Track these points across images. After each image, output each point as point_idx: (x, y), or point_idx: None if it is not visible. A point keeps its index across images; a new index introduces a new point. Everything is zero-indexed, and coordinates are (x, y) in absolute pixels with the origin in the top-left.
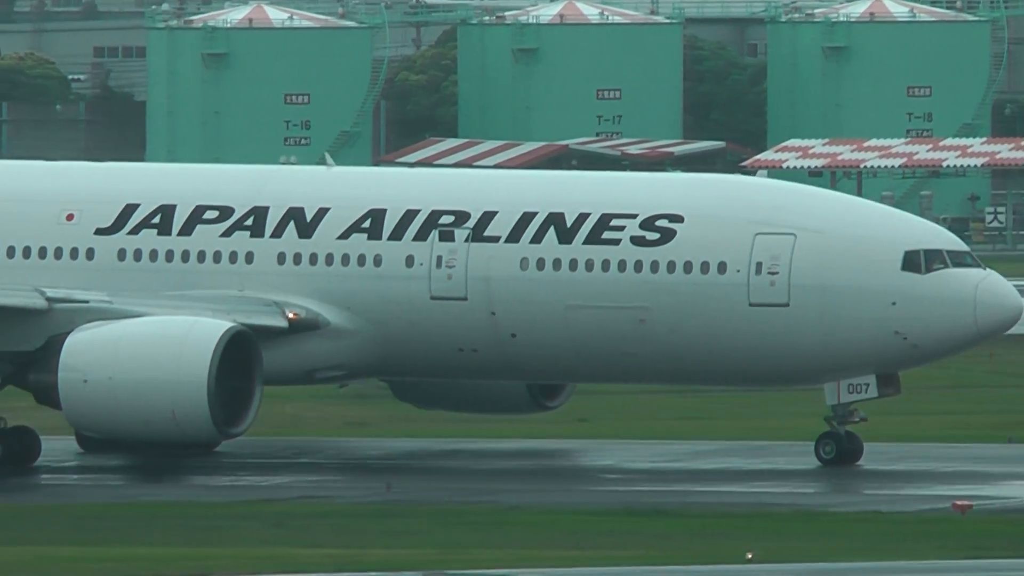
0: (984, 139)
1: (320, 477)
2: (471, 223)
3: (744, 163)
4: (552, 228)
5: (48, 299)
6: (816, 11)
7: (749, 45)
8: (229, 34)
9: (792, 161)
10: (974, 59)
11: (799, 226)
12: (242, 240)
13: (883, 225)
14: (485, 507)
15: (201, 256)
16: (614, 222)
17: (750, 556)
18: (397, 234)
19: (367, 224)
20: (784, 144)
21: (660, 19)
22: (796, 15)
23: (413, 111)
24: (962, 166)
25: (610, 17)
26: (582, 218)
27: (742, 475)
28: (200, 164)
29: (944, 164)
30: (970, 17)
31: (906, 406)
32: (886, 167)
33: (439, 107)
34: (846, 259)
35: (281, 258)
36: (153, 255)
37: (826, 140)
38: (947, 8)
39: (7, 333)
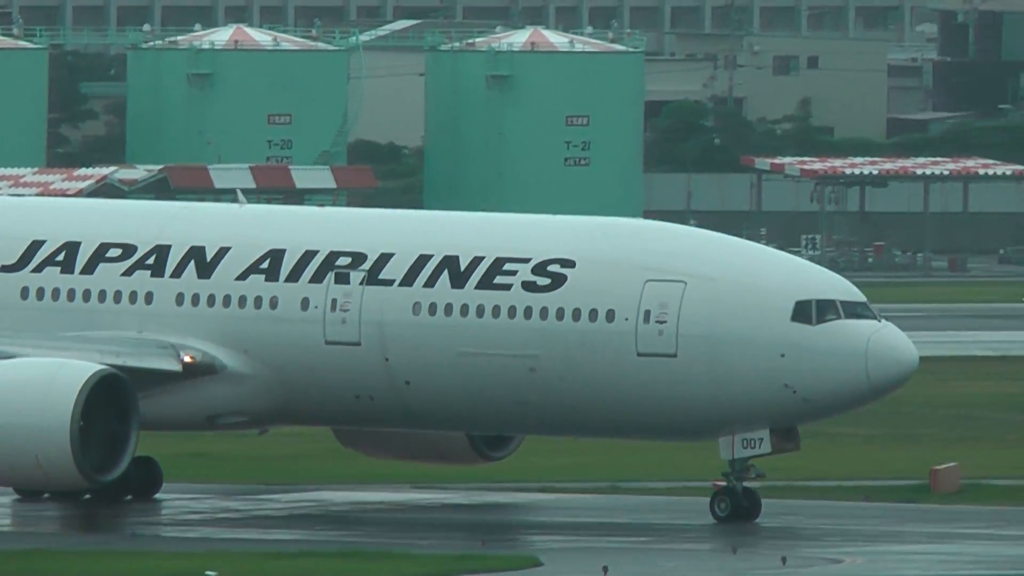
0: None
1: None
2: (367, 265)
3: None
4: (446, 271)
5: None
6: None
7: None
8: None
9: None
10: None
11: (690, 273)
12: (143, 280)
13: (776, 274)
14: None
15: (102, 296)
16: (507, 266)
17: None
18: (294, 276)
19: (265, 265)
20: None
21: None
22: None
23: None
24: None
25: None
26: (476, 262)
27: None
28: (110, 200)
29: None
30: None
31: None
32: None
33: None
34: (735, 309)
35: (180, 299)
36: (55, 294)
37: None
38: None
39: None
